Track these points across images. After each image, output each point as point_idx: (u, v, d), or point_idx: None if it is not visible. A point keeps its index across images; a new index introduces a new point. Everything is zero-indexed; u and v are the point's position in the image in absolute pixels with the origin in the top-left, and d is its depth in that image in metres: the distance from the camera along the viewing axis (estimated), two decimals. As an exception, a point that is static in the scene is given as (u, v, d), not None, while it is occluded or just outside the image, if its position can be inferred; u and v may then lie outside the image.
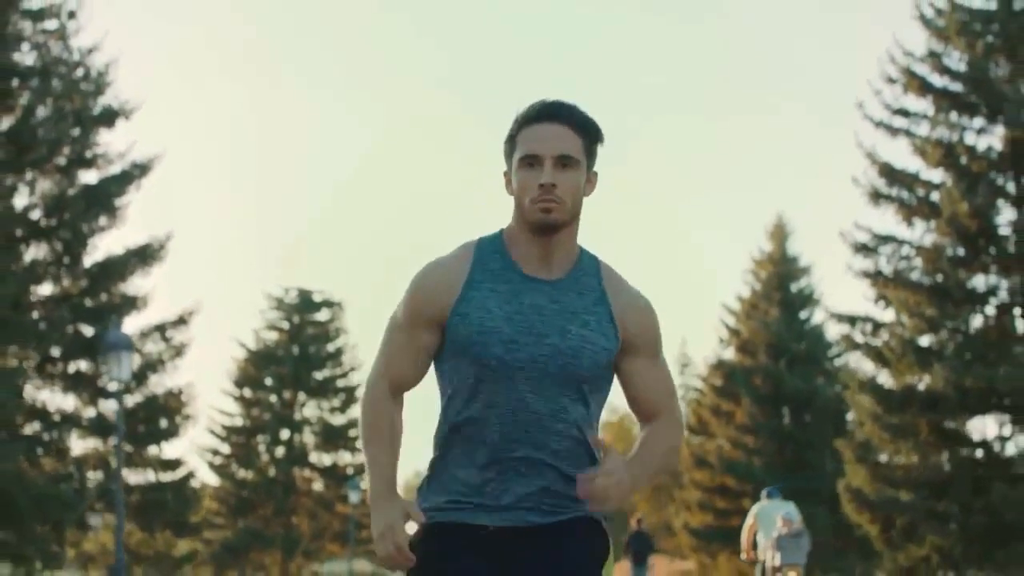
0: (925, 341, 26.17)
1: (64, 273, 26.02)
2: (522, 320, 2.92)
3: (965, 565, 25.52)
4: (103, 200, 26.14)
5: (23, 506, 22.44)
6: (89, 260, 26.32)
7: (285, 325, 44.40)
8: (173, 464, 28.71)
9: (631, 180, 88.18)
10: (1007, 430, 25.69)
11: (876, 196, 26.45)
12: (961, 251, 25.74)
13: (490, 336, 2.91)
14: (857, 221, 26.96)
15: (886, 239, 26.50)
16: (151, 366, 27.49)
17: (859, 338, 27.21)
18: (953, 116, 26.18)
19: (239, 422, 43.18)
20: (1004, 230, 25.71)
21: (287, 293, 44.79)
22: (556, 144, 2.91)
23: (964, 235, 25.36)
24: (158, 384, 27.78)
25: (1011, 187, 25.82)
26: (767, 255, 41.96)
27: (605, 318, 2.97)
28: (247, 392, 43.48)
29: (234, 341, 44.26)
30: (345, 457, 43.70)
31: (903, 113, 26.57)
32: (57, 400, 25.96)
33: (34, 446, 24.74)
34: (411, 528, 2.98)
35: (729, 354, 42.19)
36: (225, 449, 42.74)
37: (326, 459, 43.79)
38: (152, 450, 28.13)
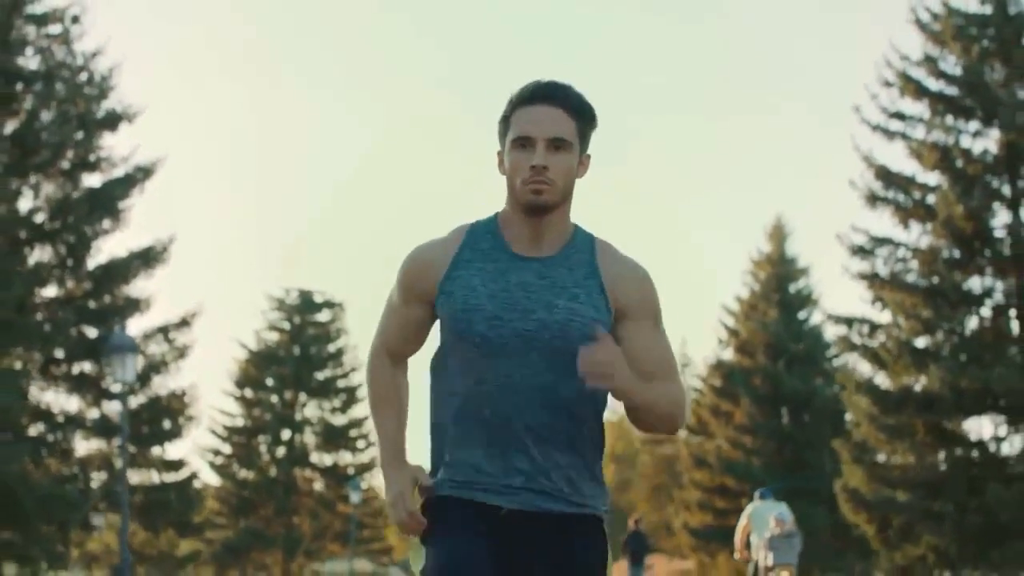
0: (921, 343, 26.29)
1: (68, 275, 26.18)
2: (507, 297, 2.93)
3: (961, 564, 25.64)
4: (106, 203, 26.32)
5: (28, 507, 22.58)
6: (93, 262, 26.51)
7: (286, 326, 44.51)
8: (176, 465, 28.89)
9: (631, 180, 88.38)
10: (1002, 430, 25.78)
11: (873, 199, 26.60)
12: (957, 253, 25.87)
13: (473, 314, 2.93)
14: (854, 223, 27.14)
15: (882, 241, 26.63)
16: (154, 367, 27.68)
17: (856, 339, 27.36)
18: (949, 120, 26.32)
19: (240, 422, 43.27)
20: (999, 232, 25.81)
21: (288, 294, 44.92)
22: (549, 126, 2.92)
23: (960, 237, 25.51)
24: (161, 385, 27.99)
25: (1006, 190, 25.96)
26: (766, 256, 42.11)
27: (595, 290, 2.96)
28: (248, 392, 43.57)
29: (235, 342, 44.44)
30: (346, 457, 43.81)
31: (899, 117, 26.70)
32: (61, 401, 26.17)
33: (39, 447, 24.90)
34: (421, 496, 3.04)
35: (728, 354, 42.33)
36: (226, 449, 42.83)
37: (327, 459, 43.89)
38: (155, 451, 28.33)
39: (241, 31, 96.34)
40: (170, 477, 28.83)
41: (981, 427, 26.32)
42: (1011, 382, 24.33)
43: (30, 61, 26.06)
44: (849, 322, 27.45)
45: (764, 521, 15.50)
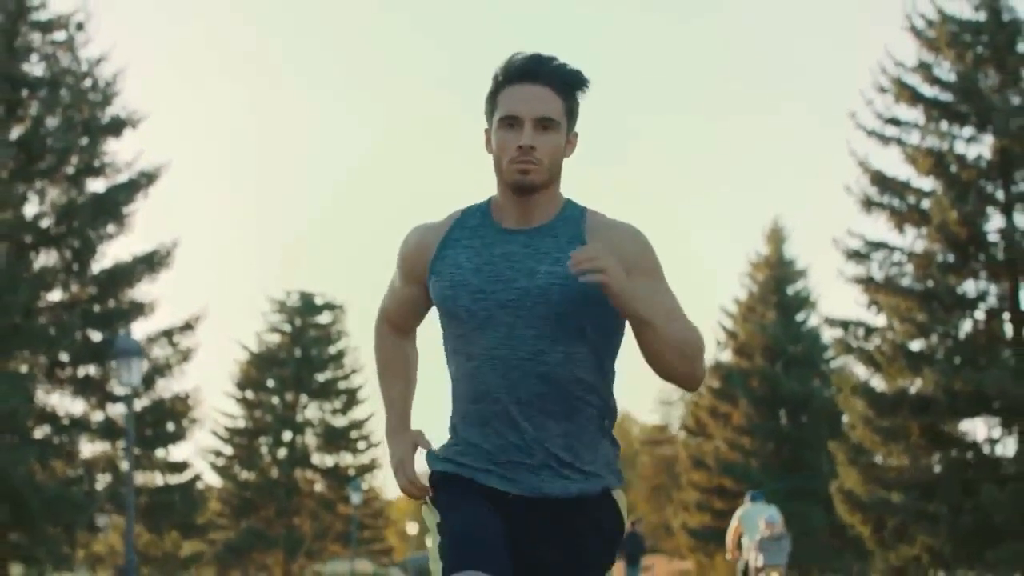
0: (916, 346, 26.45)
1: (73, 280, 26.39)
2: (491, 270, 2.91)
3: (955, 564, 25.79)
4: (111, 208, 26.54)
5: (34, 508, 22.78)
6: (97, 267, 26.72)
7: (287, 328, 44.55)
8: (180, 467, 29.10)
9: (631, 180, 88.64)
10: (996, 432, 25.95)
11: (868, 204, 26.81)
12: (951, 257, 26.04)
13: (459, 289, 2.92)
14: (849, 228, 27.36)
15: (878, 246, 26.80)
16: (159, 371, 27.87)
17: (852, 342, 27.55)
18: (943, 125, 26.49)
19: (242, 424, 43.33)
20: (993, 237, 25.99)
21: (289, 296, 44.97)
22: (536, 106, 2.88)
23: (954, 242, 25.69)
24: (165, 388, 28.17)
25: (1000, 195, 26.14)
26: (764, 258, 42.22)
27: None
28: (249, 394, 43.59)
29: (236, 344, 44.56)
30: (347, 458, 43.91)
31: (894, 122, 26.88)
32: (66, 404, 26.36)
33: (45, 450, 25.02)
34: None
35: (726, 356, 42.42)
36: (228, 451, 42.88)
37: (328, 460, 43.98)
38: (160, 453, 28.52)
39: (241, 32, 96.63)
40: (174, 479, 29.03)
41: (975, 429, 26.53)
42: (1005, 385, 24.49)
43: (35, 67, 26.33)
44: (845, 325, 27.63)
45: (755, 523, 15.89)
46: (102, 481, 26.59)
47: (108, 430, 26.30)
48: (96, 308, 26.72)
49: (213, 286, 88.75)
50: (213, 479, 42.20)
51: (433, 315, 3.12)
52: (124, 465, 25.99)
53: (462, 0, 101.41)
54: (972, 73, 26.20)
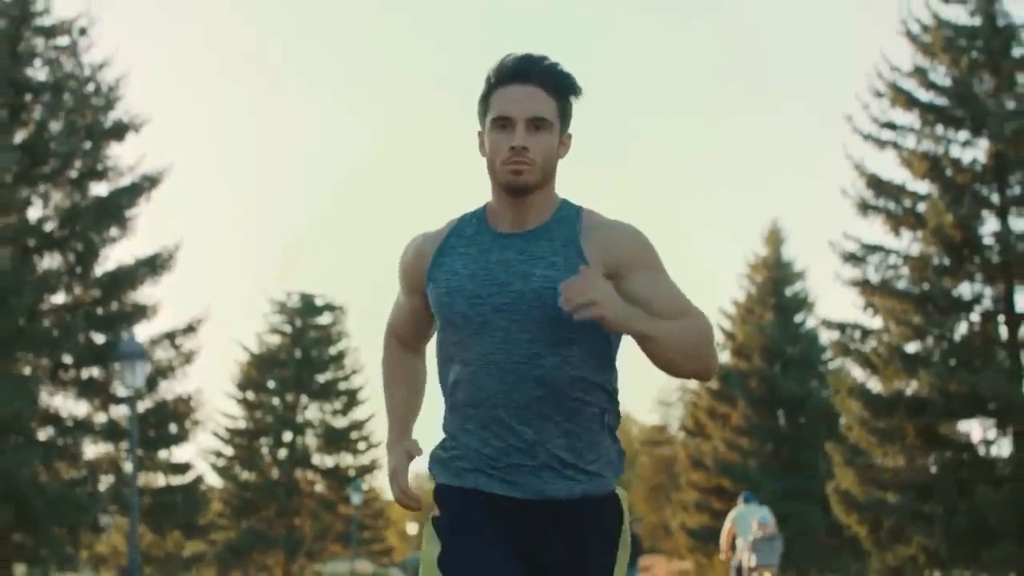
0: (912, 348, 26.58)
1: (76, 282, 26.55)
2: (486, 276, 2.91)
3: (951, 564, 25.93)
4: (114, 211, 26.72)
5: (39, 509, 22.96)
6: (100, 270, 26.89)
7: (288, 329, 44.60)
8: (183, 468, 29.27)
9: (631, 180, 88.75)
10: (991, 434, 26.05)
11: (864, 207, 26.98)
12: (946, 260, 26.17)
13: (455, 295, 2.92)
14: (846, 231, 27.59)
15: (874, 249, 26.94)
16: (161, 372, 28.02)
17: (849, 344, 27.69)
18: (939, 129, 26.63)
19: (242, 425, 43.36)
20: (988, 240, 26.13)
21: (289, 297, 45.01)
22: (528, 106, 2.87)
23: (949, 245, 25.83)
24: (168, 390, 28.34)
25: (995, 198, 26.28)
26: (762, 259, 42.37)
27: (574, 255, 2.89)
28: (250, 395, 43.61)
29: (237, 345, 44.66)
30: (347, 459, 43.93)
31: (890, 126, 27.00)
32: (70, 406, 26.52)
33: (49, 451, 25.14)
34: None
35: (725, 357, 42.50)
36: (228, 451, 42.91)
37: (328, 461, 44.01)
38: (162, 454, 28.68)
39: (241, 32, 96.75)
40: (177, 480, 29.19)
41: (970, 430, 26.60)
42: (999, 386, 24.68)
43: (39, 72, 26.53)
44: (842, 327, 27.78)
45: (748, 524, 16.20)
46: (105, 482, 26.73)
47: (111, 432, 26.46)
48: (99, 311, 26.88)
49: (214, 287, 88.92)
50: (214, 479, 42.26)
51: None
52: (127, 466, 26.21)
53: (462, 0, 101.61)
54: (967, 78, 26.36)
